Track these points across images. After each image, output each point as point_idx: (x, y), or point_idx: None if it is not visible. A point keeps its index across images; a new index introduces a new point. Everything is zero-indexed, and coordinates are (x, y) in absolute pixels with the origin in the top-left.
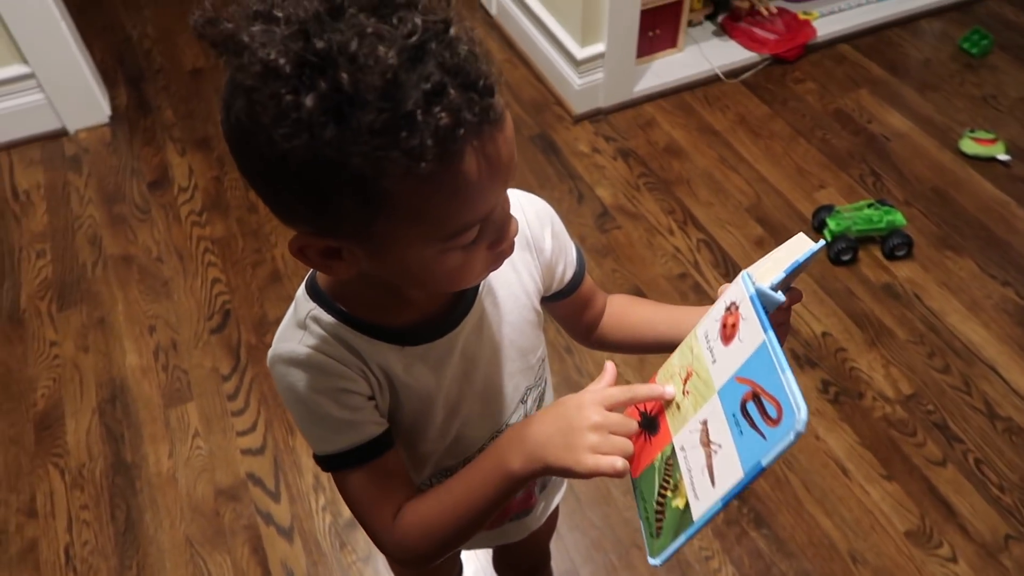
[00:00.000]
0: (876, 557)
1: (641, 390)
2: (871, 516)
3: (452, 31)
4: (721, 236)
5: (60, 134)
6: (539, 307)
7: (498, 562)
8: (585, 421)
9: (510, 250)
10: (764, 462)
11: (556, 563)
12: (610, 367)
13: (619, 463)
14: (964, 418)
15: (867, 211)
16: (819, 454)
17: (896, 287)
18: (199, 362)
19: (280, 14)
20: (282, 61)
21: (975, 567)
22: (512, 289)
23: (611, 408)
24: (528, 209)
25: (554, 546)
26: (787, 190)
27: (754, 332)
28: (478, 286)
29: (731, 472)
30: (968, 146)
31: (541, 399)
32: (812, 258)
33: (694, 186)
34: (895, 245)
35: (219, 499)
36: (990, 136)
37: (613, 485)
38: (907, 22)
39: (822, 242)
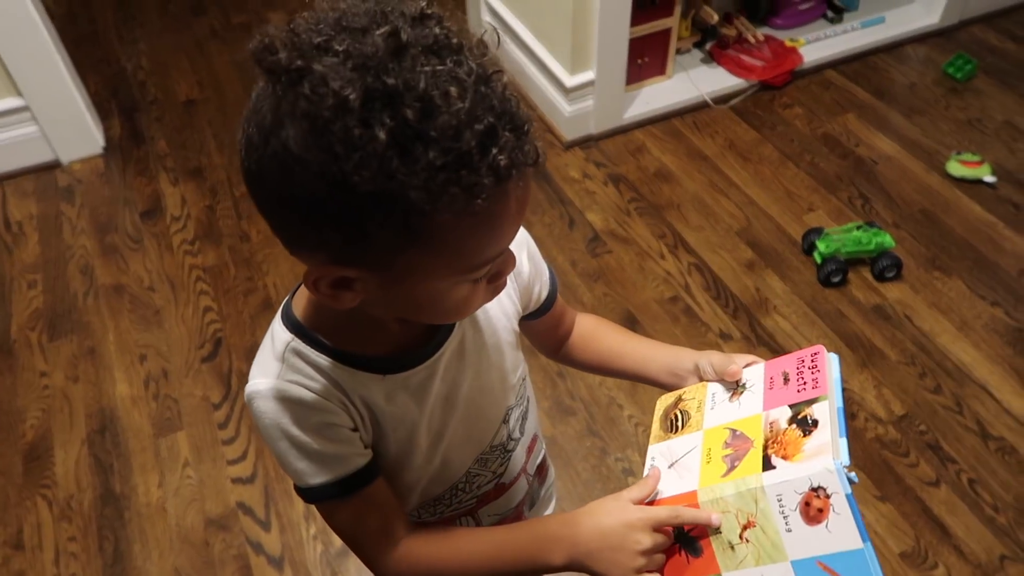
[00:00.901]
0: None
1: (687, 514)
2: None
3: (498, 76)
4: (712, 260)
5: (53, 165)
6: (517, 327)
7: None
8: (636, 545)
9: (504, 284)
10: None
11: None
12: (655, 474)
13: None
14: (957, 438)
15: (856, 233)
16: None
17: (886, 308)
18: (190, 391)
19: (341, 48)
20: (352, 95)
21: None
22: (492, 311)
23: (656, 529)
24: None
25: None
26: (777, 213)
27: (848, 533)
28: None
29: None
30: (955, 168)
31: (524, 417)
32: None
33: (684, 210)
34: (885, 267)
35: (209, 529)
36: (976, 159)
37: None
38: (892, 48)
39: (836, 357)
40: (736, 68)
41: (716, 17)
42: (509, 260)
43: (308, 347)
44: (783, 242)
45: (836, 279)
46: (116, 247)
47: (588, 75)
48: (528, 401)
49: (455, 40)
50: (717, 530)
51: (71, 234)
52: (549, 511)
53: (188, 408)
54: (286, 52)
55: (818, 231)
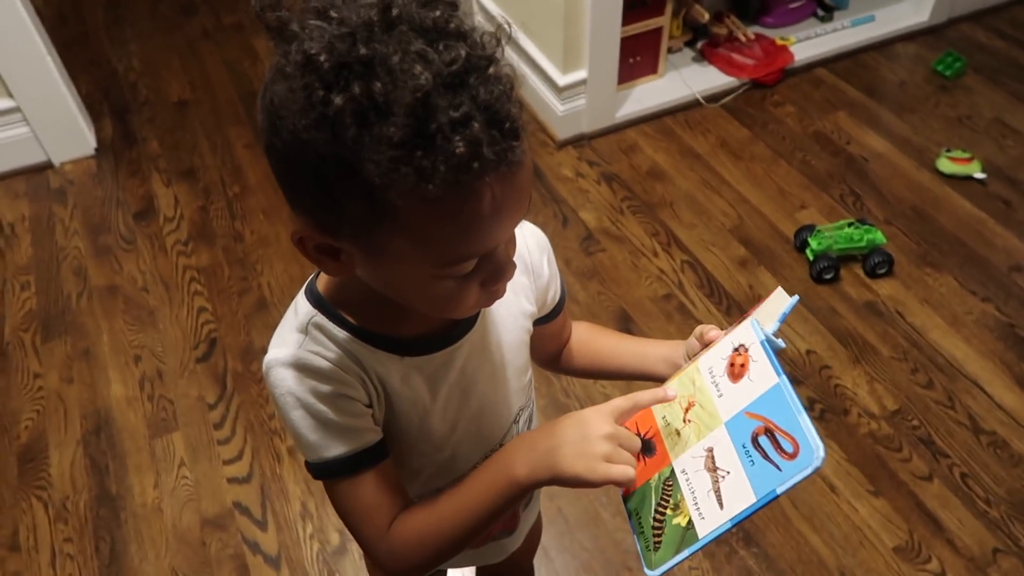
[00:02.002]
0: (865, 573)
1: (644, 396)
2: (859, 532)
3: (492, 69)
4: (705, 257)
5: (45, 167)
6: (531, 328)
7: None
8: (598, 431)
9: (502, 292)
10: (780, 491)
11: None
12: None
13: (630, 472)
14: (949, 433)
15: (848, 230)
16: None
17: (878, 304)
18: (185, 391)
19: (335, 15)
20: (323, 57)
21: None
22: (511, 309)
23: (619, 420)
24: (529, 237)
25: (544, 568)
26: (769, 211)
27: (766, 374)
28: None
29: (742, 497)
30: (945, 165)
31: (530, 420)
32: (791, 308)
33: (677, 208)
34: (876, 263)
35: (205, 529)
36: (966, 155)
37: (602, 507)
38: (882, 46)
39: (796, 297)
40: (727, 67)
41: (707, 16)
42: (504, 266)
43: (330, 322)
44: (775, 239)
45: (828, 276)
46: (109, 248)
47: (580, 74)
48: (533, 404)
49: (454, 26)
50: (666, 423)
51: (64, 235)
52: (539, 506)
53: (183, 408)
54: (284, 11)
55: (810, 228)
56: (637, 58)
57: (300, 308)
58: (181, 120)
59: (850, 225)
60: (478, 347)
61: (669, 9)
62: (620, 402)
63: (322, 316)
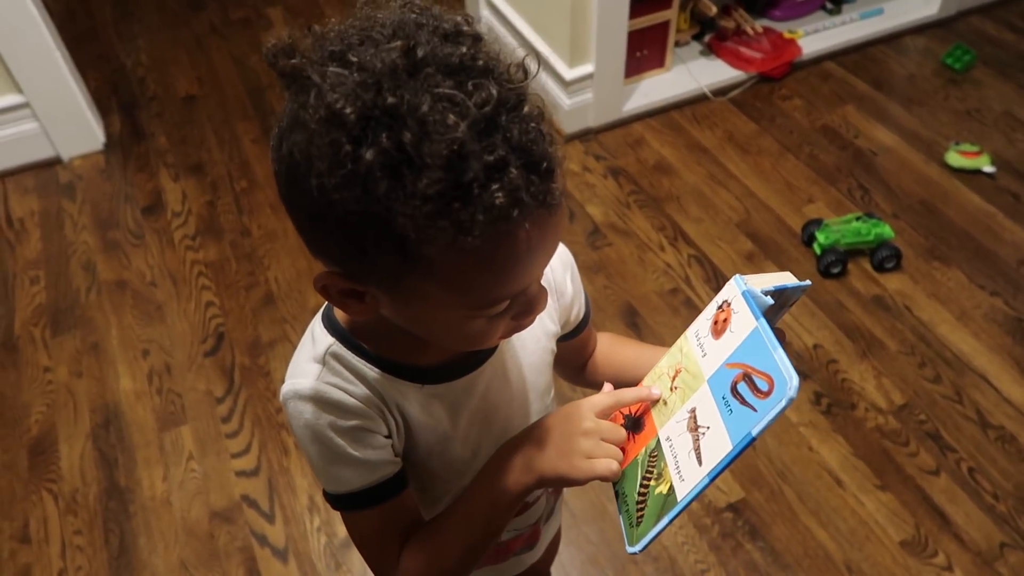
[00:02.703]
0: (872, 567)
1: (628, 394)
2: (866, 526)
3: (525, 108)
4: (712, 251)
5: (54, 162)
6: (555, 348)
7: None
8: (577, 428)
9: (532, 322)
10: (755, 431)
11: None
12: (607, 385)
13: (614, 465)
14: (956, 427)
15: (855, 224)
16: (813, 465)
17: (886, 299)
18: (193, 385)
19: (355, 59)
20: (348, 110)
21: (971, 575)
22: (533, 331)
23: (600, 415)
24: (554, 257)
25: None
26: (776, 205)
27: (746, 322)
28: None
29: (720, 448)
30: (954, 159)
31: None
32: (798, 292)
33: (684, 203)
34: (884, 257)
35: (213, 521)
36: (975, 149)
37: (609, 500)
38: (891, 39)
39: (808, 281)
40: (735, 60)
41: (715, 9)
42: (535, 301)
43: (349, 351)
44: (783, 233)
45: (836, 270)
46: (118, 243)
47: (587, 68)
48: None
49: (481, 62)
50: (656, 400)
51: (73, 230)
52: (560, 519)
53: (191, 402)
54: (300, 57)
55: (817, 222)
56: (644, 52)
57: (317, 337)
58: (189, 115)
59: (858, 219)
60: (499, 372)
61: (676, 2)
62: (602, 398)
63: (340, 345)
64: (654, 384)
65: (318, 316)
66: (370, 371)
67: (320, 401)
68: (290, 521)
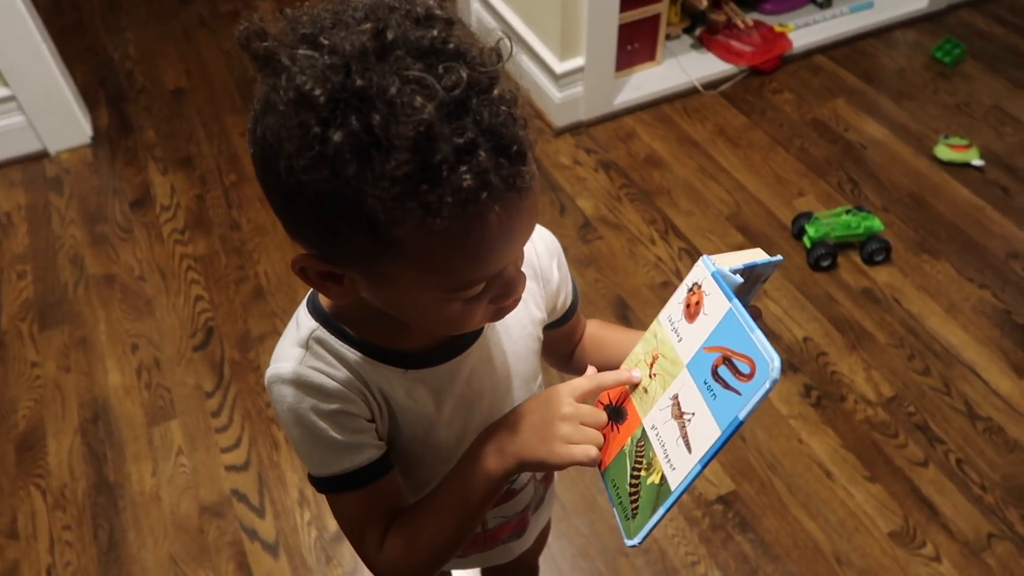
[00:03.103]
0: (861, 558)
1: (608, 377)
2: (855, 518)
3: (496, 90)
4: (702, 245)
5: (41, 155)
6: (541, 335)
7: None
8: (555, 413)
9: (513, 306)
10: (742, 415)
11: (544, 572)
12: (590, 368)
13: (592, 451)
14: (945, 419)
15: (845, 217)
16: (803, 457)
17: (875, 291)
18: (182, 379)
19: (326, 42)
20: (317, 92)
21: (959, 566)
22: (518, 317)
23: (580, 399)
24: (538, 242)
25: (541, 555)
26: (767, 198)
27: (719, 304)
28: None
29: (708, 434)
30: (943, 152)
31: None
32: (770, 268)
33: (675, 196)
34: (873, 250)
35: (203, 516)
36: (964, 142)
37: (599, 492)
38: (881, 33)
39: (780, 256)
40: (725, 54)
41: (705, 2)
42: (513, 285)
43: (332, 336)
44: (773, 227)
45: (825, 263)
46: (106, 237)
47: (578, 61)
48: None
49: (453, 46)
50: (634, 386)
51: (60, 224)
52: (550, 510)
53: (181, 397)
54: (272, 40)
55: (807, 215)
56: (635, 45)
57: (302, 321)
58: (177, 108)
59: (848, 212)
60: (484, 358)
61: None
62: (582, 382)
63: (324, 330)
64: (632, 368)
65: (303, 302)
66: (353, 355)
67: (302, 385)
68: (280, 515)
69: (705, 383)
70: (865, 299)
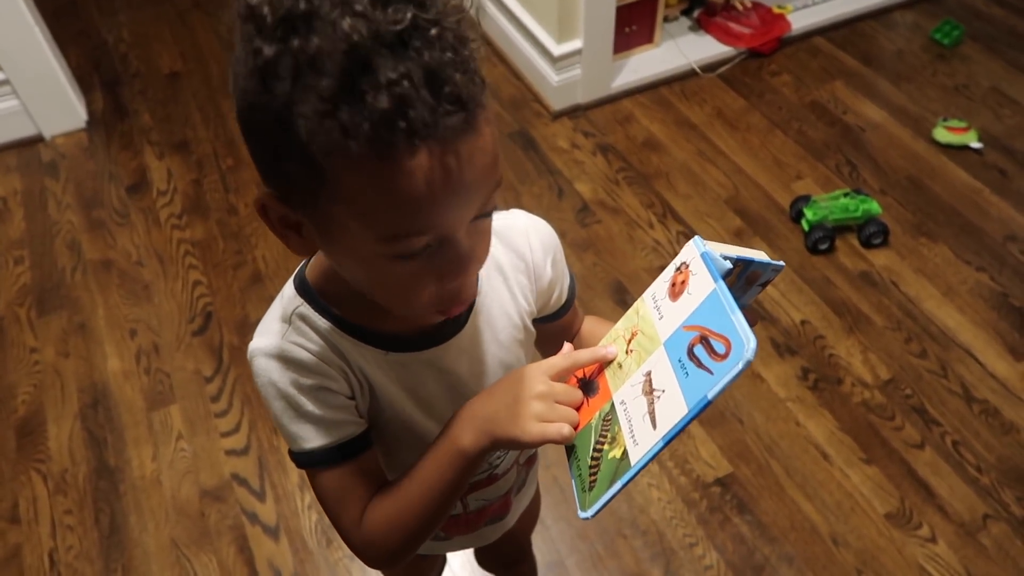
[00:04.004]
0: (857, 539)
1: (583, 355)
2: (852, 499)
3: (434, 31)
4: (700, 228)
5: (36, 140)
6: (530, 326)
7: (480, 555)
8: (530, 391)
9: (466, 295)
10: (711, 395)
11: (542, 554)
12: (567, 347)
13: (565, 430)
14: (941, 401)
15: (843, 200)
16: (800, 440)
17: (873, 275)
18: (181, 364)
19: None
20: (266, 11)
21: (954, 547)
22: (506, 308)
23: (555, 377)
24: (534, 236)
25: (540, 537)
26: (765, 181)
27: (704, 283)
28: (470, 304)
29: (675, 412)
30: (941, 135)
31: None
32: (769, 272)
33: (673, 179)
34: (871, 233)
35: (204, 500)
36: (963, 125)
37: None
38: (880, 14)
39: (782, 262)
40: (724, 36)
41: None
42: (463, 260)
43: (315, 312)
44: (771, 210)
45: (823, 246)
46: (103, 222)
47: (575, 44)
48: None
49: None
50: (611, 361)
51: (57, 209)
52: (533, 490)
53: (180, 382)
54: None
55: (806, 199)
56: (633, 27)
57: (287, 297)
58: (173, 92)
59: (846, 195)
60: (468, 347)
61: None
62: (558, 360)
63: (307, 306)
64: (610, 344)
65: (291, 278)
66: (335, 333)
67: (283, 358)
68: (281, 499)
69: (679, 361)
70: (863, 282)
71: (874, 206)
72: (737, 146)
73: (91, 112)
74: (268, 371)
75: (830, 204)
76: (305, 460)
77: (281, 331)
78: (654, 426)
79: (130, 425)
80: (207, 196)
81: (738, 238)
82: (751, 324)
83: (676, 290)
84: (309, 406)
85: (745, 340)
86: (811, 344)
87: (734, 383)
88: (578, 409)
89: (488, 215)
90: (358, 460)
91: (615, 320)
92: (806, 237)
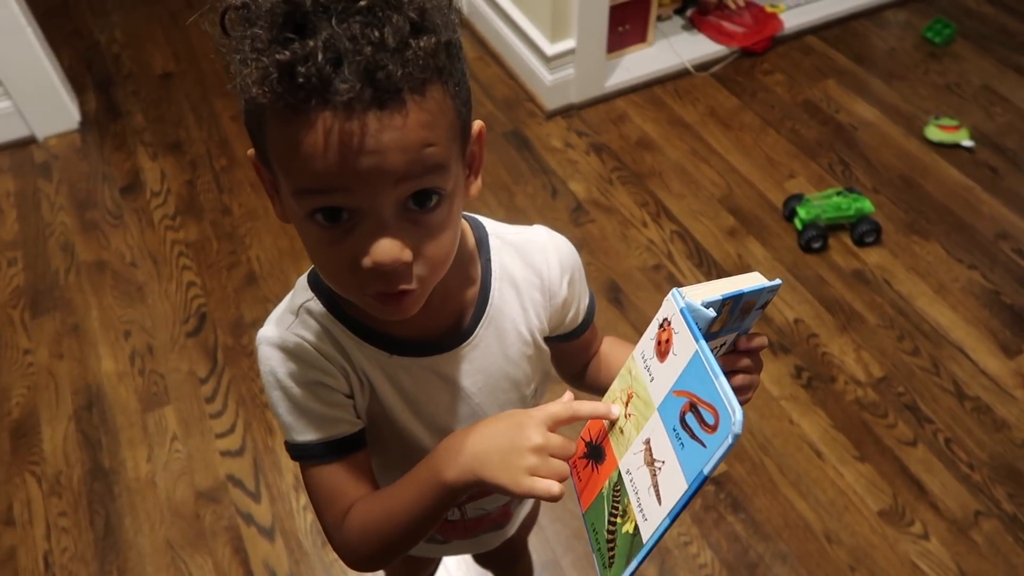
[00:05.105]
0: (850, 536)
1: (584, 408)
2: (845, 497)
3: (384, 12)
4: (694, 227)
5: (29, 141)
6: (542, 344)
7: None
8: (526, 442)
9: (389, 296)
10: (706, 470)
11: (538, 554)
12: (568, 395)
13: (555, 488)
14: (934, 399)
15: (836, 199)
16: (793, 438)
17: (866, 273)
18: (176, 366)
19: None
20: None
21: (947, 543)
22: (516, 323)
23: (553, 428)
24: (552, 253)
25: (535, 536)
26: (758, 180)
27: (686, 344)
28: (480, 315)
29: (676, 486)
30: (933, 133)
31: None
32: (765, 294)
33: (666, 178)
34: (864, 232)
35: (199, 501)
36: (954, 123)
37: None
38: (872, 13)
39: (778, 281)
40: (717, 35)
41: None
42: (369, 237)
43: (323, 308)
44: (764, 209)
45: (816, 245)
46: (96, 223)
47: (569, 43)
48: None
49: None
50: (611, 423)
51: (50, 211)
52: (532, 500)
53: (174, 383)
54: None
55: (799, 197)
56: (626, 26)
57: (298, 289)
58: (166, 92)
59: (838, 194)
60: (473, 357)
61: None
62: (557, 410)
63: (317, 302)
64: (611, 404)
65: (308, 271)
66: (340, 330)
67: (286, 350)
68: (276, 500)
69: (674, 430)
70: (856, 280)
71: (867, 204)
72: (730, 145)
73: (84, 113)
74: (270, 360)
75: (823, 203)
76: (297, 452)
77: (288, 322)
78: (659, 501)
79: (124, 426)
80: (201, 197)
81: (732, 237)
82: (756, 348)
83: (662, 349)
84: (305, 400)
85: (731, 411)
86: (804, 342)
87: (726, 456)
88: (586, 475)
89: (430, 210)
90: (349, 459)
91: (633, 341)
92: (799, 236)
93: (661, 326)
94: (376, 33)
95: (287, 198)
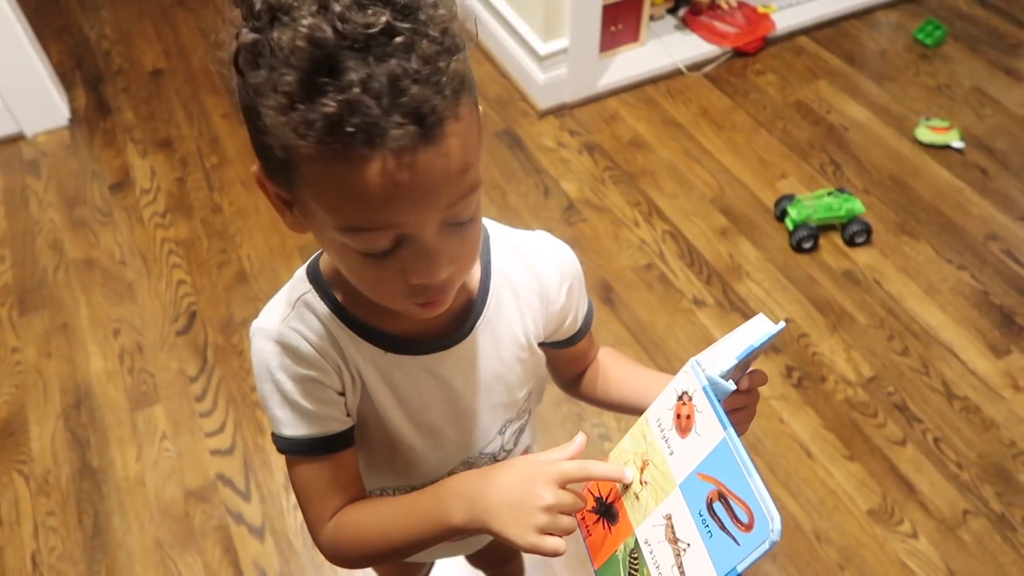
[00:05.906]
0: (840, 536)
1: (598, 469)
2: (835, 496)
3: (409, 40)
4: (686, 227)
5: (17, 138)
6: (536, 348)
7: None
8: (538, 500)
9: (436, 302)
10: (740, 569)
11: (530, 554)
12: (579, 439)
13: (561, 547)
14: (923, 399)
15: (827, 199)
16: (783, 437)
17: (856, 273)
18: (165, 364)
19: None
20: (257, 1)
21: (935, 542)
22: (512, 327)
23: (563, 485)
24: (551, 260)
25: None
26: (749, 180)
27: (712, 427)
28: (477, 316)
29: (706, 574)
30: (924, 134)
31: (521, 432)
32: (772, 338)
33: (658, 178)
34: (855, 232)
35: (189, 500)
36: (945, 124)
37: None
38: (863, 14)
39: (782, 324)
40: (709, 35)
41: None
42: (430, 260)
43: (320, 302)
44: (756, 209)
45: (807, 245)
46: (85, 221)
47: (561, 42)
48: (529, 415)
49: (403, 1)
50: (624, 486)
51: (38, 208)
52: None
53: (164, 382)
54: None
55: (790, 198)
56: (619, 26)
57: (296, 281)
58: (156, 89)
59: (829, 194)
60: (467, 358)
61: None
62: (571, 469)
63: (315, 295)
64: (621, 464)
65: (307, 262)
66: (336, 325)
67: (280, 342)
68: (266, 499)
69: (700, 515)
70: (846, 281)
71: (857, 205)
72: (722, 145)
73: (73, 110)
74: (263, 352)
75: (814, 203)
76: (284, 446)
77: (284, 315)
78: None
79: (113, 425)
80: (191, 194)
81: (723, 237)
82: (756, 385)
83: (683, 424)
84: (297, 395)
85: (769, 519)
86: (795, 342)
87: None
88: (597, 532)
89: (465, 223)
90: (335, 457)
91: (624, 341)
92: (790, 236)
93: (680, 399)
94: (412, 66)
95: (327, 229)
